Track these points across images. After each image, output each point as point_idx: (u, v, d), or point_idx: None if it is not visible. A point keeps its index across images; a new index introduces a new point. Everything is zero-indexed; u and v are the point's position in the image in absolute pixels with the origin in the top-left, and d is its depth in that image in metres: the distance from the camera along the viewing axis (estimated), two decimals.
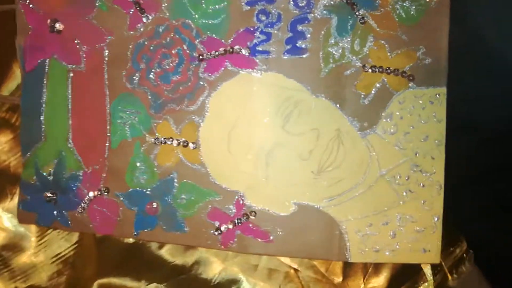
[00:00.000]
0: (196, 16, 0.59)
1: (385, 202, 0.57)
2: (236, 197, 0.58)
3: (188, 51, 0.59)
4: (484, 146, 0.74)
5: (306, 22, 0.57)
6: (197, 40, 0.59)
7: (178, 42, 0.59)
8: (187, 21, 0.59)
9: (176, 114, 0.59)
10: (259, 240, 0.58)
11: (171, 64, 0.60)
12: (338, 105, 0.57)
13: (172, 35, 0.59)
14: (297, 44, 0.57)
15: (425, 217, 0.57)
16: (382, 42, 0.57)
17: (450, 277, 0.66)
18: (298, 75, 0.57)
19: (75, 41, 0.63)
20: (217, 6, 0.58)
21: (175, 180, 0.60)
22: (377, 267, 0.65)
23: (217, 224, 0.59)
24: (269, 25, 0.57)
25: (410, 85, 0.57)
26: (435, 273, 0.65)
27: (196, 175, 0.59)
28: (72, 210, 0.63)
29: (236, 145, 0.57)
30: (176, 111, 0.59)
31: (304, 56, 0.57)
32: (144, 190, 0.61)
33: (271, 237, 0.58)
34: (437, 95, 0.57)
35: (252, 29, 0.57)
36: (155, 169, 0.60)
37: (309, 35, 0.57)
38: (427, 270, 0.64)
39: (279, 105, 0.57)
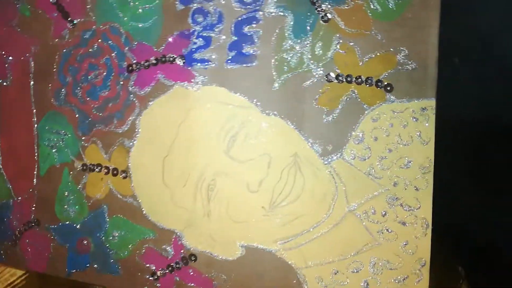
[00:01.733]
0: (125, 18, 0.48)
1: (355, 244, 0.44)
2: (174, 236, 0.47)
3: (117, 61, 0.48)
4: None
5: (254, 22, 0.45)
6: (127, 48, 0.47)
7: (106, 50, 0.48)
8: (115, 25, 0.48)
9: (105, 137, 0.49)
10: None
11: (99, 77, 0.49)
12: (294, 125, 0.45)
13: (99, 42, 0.48)
14: (243, 50, 0.45)
15: (407, 263, 0.44)
16: (351, 44, 0.44)
17: None
18: (245, 89, 0.45)
19: (2, 52, 0.53)
20: (147, 6, 0.46)
21: (106, 214, 0.49)
22: None
23: (153, 267, 0.48)
24: (208, 28, 0.45)
25: (387, 97, 0.44)
26: None
27: (128, 209, 0.48)
28: (5, 242, 0.54)
29: (171, 174, 0.46)
30: (104, 133, 0.49)
31: (252, 64, 0.45)
32: (75, 225, 0.51)
33: (215, 286, 0.46)
34: (424, 110, 0.43)
35: (187, 32, 0.45)
36: (84, 200, 0.50)
37: (258, 39, 0.45)
38: None
39: (222, 126, 0.45)
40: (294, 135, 0.45)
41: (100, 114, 0.49)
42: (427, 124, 0.43)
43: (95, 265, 0.50)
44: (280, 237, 0.45)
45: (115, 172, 0.48)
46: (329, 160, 0.45)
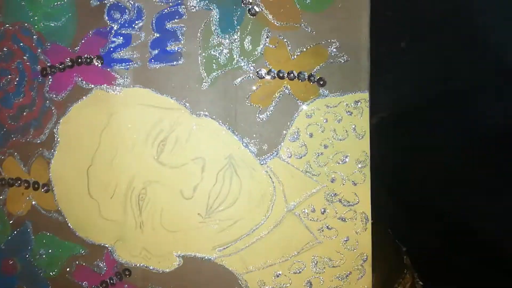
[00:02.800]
0: (36, 17, 0.42)
1: (296, 244, 0.42)
2: (106, 251, 0.42)
3: (29, 64, 0.42)
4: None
5: (177, 17, 0.40)
6: (39, 50, 0.42)
7: (17, 53, 0.42)
8: (26, 24, 0.42)
9: (22, 148, 0.43)
10: None
11: (11, 83, 0.43)
12: (227, 125, 0.41)
13: (10, 45, 0.42)
14: (168, 48, 0.40)
15: (349, 259, 0.42)
16: (281, 38, 0.40)
17: None
18: (171, 89, 0.41)
19: None
20: (58, 3, 0.41)
21: (30, 231, 0.44)
22: None
23: (86, 285, 0.43)
24: (126, 24, 0.40)
25: (320, 92, 0.41)
26: None
27: (54, 225, 0.43)
28: None
29: (97, 185, 0.41)
30: (22, 144, 0.43)
31: (178, 63, 0.41)
32: None
33: None
34: (357, 103, 0.41)
35: (103, 30, 0.40)
36: (6, 218, 0.44)
37: (182, 35, 0.40)
38: None
39: (149, 131, 0.41)
40: (228, 135, 0.41)
41: (16, 123, 0.43)
42: (361, 117, 0.41)
43: (24, 286, 0.45)
44: (219, 244, 0.41)
45: (36, 186, 0.43)
46: (265, 159, 0.41)
